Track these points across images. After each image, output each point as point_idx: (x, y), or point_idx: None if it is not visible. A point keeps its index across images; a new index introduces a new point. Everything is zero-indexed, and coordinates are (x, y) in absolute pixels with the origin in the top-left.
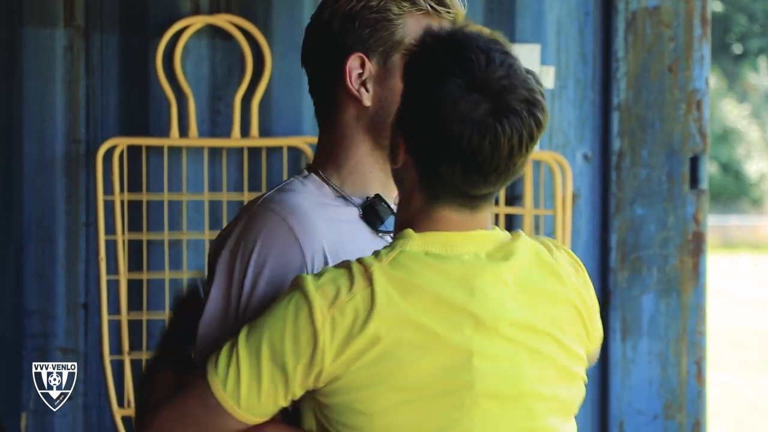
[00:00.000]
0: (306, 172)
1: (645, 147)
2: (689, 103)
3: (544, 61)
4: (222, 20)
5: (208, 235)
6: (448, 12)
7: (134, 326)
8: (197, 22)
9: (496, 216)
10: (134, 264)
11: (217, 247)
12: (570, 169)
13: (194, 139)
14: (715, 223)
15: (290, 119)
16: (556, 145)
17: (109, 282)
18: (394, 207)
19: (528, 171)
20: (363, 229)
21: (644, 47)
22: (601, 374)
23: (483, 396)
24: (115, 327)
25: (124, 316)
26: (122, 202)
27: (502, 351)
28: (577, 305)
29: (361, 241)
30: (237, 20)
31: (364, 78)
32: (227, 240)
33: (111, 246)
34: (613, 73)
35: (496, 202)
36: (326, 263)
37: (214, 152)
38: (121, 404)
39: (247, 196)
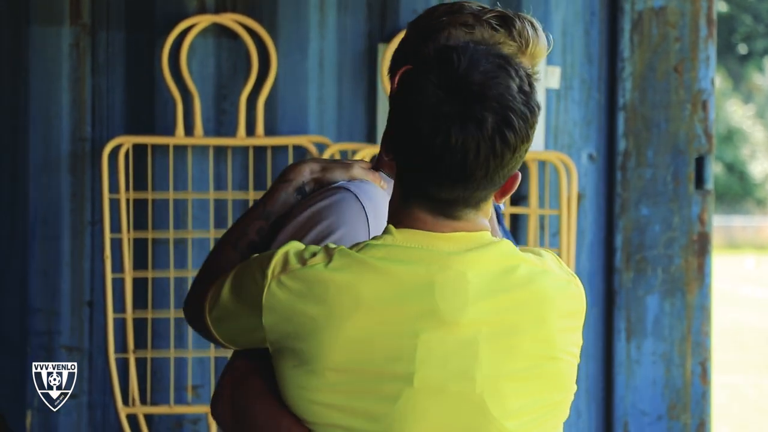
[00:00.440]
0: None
1: (650, 147)
2: (695, 104)
3: (549, 62)
4: (228, 19)
5: (213, 234)
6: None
7: (139, 324)
8: (203, 21)
9: None
10: (139, 262)
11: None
12: (575, 170)
13: (200, 138)
14: (719, 223)
15: (296, 118)
16: (562, 145)
17: (114, 280)
18: None
19: (533, 171)
20: None
21: (650, 47)
22: (606, 374)
23: (423, 390)
24: (120, 325)
25: (129, 315)
26: (128, 200)
27: (456, 347)
28: (542, 311)
29: None
30: (243, 19)
31: None
32: (308, 207)
33: (116, 244)
34: (619, 73)
35: None
36: None
37: (220, 151)
38: (126, 402)
39: (252, 195)
